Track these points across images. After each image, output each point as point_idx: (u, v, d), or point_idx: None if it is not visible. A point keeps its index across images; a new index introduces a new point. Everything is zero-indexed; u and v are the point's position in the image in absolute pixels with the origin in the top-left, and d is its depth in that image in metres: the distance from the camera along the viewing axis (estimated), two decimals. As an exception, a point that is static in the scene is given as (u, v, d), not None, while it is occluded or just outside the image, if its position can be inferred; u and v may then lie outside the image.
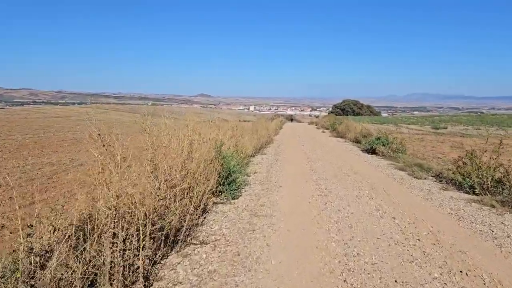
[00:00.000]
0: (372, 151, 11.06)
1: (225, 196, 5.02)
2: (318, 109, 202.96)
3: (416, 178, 7.00)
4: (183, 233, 3.32)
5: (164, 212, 3.12)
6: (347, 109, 66.64)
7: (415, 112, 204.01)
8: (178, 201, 3.30)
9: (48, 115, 33.53)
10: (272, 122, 25.61)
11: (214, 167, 5.02)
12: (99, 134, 2.60)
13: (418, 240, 3.53)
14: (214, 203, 4.82)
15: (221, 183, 5.14)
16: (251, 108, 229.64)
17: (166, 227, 3.04)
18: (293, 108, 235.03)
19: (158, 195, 2.99)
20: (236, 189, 5.19)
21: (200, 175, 4.13)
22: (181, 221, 3.37)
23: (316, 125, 34.38)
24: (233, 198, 5.04)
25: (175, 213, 3.18)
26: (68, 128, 21.82)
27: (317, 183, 6.33)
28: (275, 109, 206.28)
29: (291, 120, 50.57)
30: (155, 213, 2.92)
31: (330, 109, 77.64)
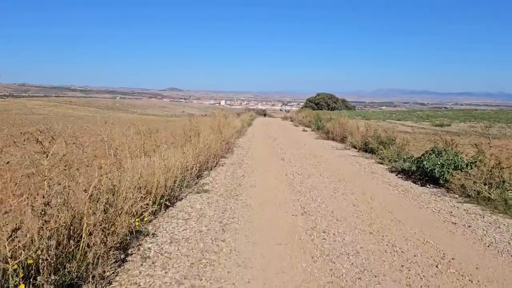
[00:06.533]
0: (426, 179, 5.54)
1: None
2: (289, 104, 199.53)
3: None
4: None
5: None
6: (321, 103, 62.01)
7: (382, 107, 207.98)
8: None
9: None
10: (237, 118, 19.64)
11: None
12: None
13: None
14: None
15: None
16: (222, 102, 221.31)
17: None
18: (264, 102, 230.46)
19: None
20: None
21: None
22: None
23: (291, 121, 28.95)
24: None
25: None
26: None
27: None
28: (246, 104, 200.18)
29: (264, 115, 45.16)
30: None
31: (303, 103, 72.93)
